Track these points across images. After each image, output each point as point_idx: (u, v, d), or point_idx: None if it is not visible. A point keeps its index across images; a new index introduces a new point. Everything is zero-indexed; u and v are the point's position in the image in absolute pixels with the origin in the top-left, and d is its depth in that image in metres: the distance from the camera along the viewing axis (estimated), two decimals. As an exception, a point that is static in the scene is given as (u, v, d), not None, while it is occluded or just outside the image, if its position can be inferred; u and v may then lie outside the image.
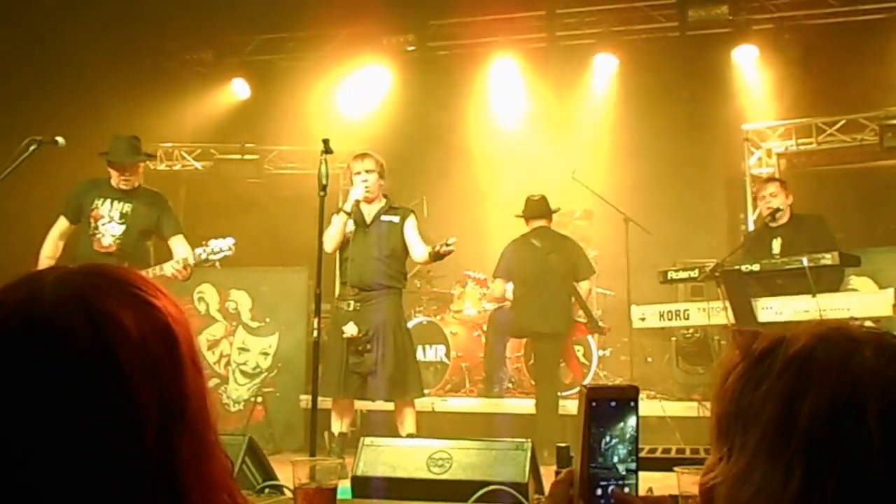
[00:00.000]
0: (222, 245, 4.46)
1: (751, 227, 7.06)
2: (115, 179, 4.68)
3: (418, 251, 4.82)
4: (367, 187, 4.75)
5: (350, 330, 4.63)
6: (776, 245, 5.20)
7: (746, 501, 0.75)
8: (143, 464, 0.69)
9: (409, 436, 4.58)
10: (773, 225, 5.29)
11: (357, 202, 4.75)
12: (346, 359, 4.66)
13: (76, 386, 0.68)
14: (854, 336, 0.78)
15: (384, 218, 4.84)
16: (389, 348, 4.68)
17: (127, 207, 4.67)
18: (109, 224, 4.64)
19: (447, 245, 4.55)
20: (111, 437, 0.68)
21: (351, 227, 4.80)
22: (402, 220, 4.86)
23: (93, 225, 4.64)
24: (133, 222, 4.66)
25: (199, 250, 4.50)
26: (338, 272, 4.92)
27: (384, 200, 4.92)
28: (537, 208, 5.87)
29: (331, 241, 4.71)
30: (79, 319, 0.70)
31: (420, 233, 4.94)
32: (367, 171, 4.80)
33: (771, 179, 5.56)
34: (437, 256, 4.66)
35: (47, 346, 0.69)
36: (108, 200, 4.68)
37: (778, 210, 5.23)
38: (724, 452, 0.79)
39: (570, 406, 5.52)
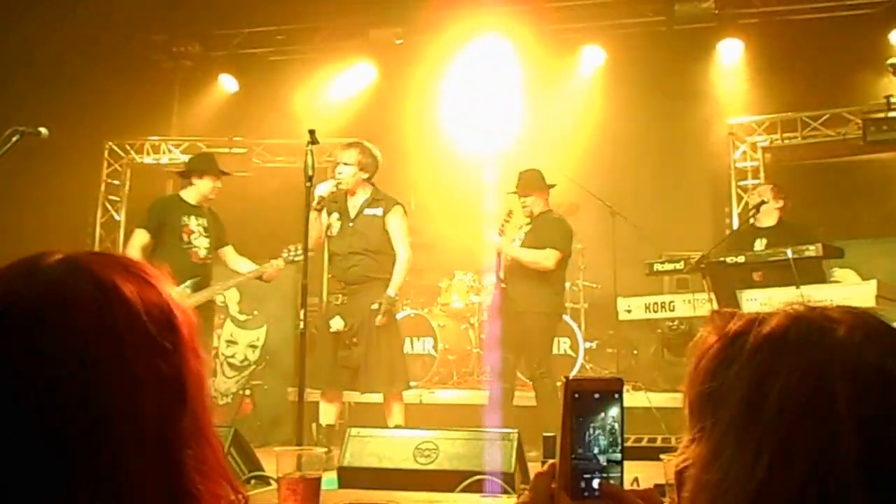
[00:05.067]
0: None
1: (735, 221, 7.12)
2: (208, 193, 5.08)
3: (401, 252, 4.79)
4: (337, 182, 4.73)
5: (336, 324, 4.63)
6: (759, 245, 5.27)
7: (715, 484, 0.73)
8: (140, 435, 0.69)
9: (396, 426, 4.60)
10: (759, 226, 5.37)
11: (322, 198, 4.68)
12: (335, 352, 4.66)
13: (77, 347, 0.68)
14: (830, 316, 0.75)
15: (367, 211, 4.80)
16: (374, 341, 4.67)
17: (205, 222, 5.09)
18: (200, 238, 5.05)
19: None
20: (107, 402, 0.68)
21: (338, 220, 4.79)
22: (386, 212, 4.81)
23: (185, 239, 5.00)
24: (211, 235, 5.10)
25: (284, 254, 4.89)
26: (326, 266, 4.94)
27: (369, 192, 4.87)
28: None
29: (309, 238, 4.62)
30: (84, 285, 0.70)
31: (408, 226, 4.93)
32: (344, 164, 4.77)
33: (772, 187, 5.59)
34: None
35: (51, 307, 0.69)
36: (193, 217, 5.06)
37: (763, 203, 5.32)
38: (696, 434, 0.78)
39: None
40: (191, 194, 5.11)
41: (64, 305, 0.69)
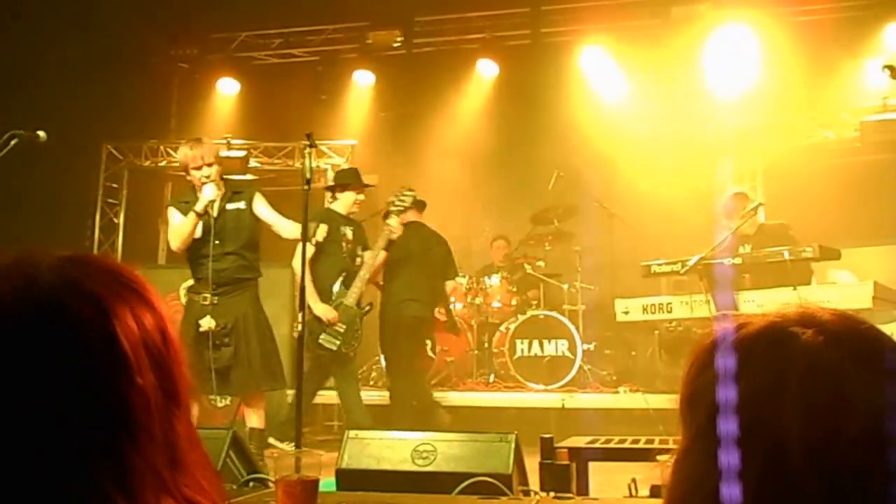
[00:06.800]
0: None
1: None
2: (350, 206, 5.40)
3: (285, 227, 4.56)
4: (215, 183, 4.47)
5: (207, 323, 4.39)
6: (744, 251, 5.34)
7: (680, 484, 0.75)
8: (153, 441, 0.71)
9: (252, 430, 4.48)
10: (739, 233, 5.44)
11: (212, 202, 4.44)
12: (201, 354, 4.37)
13: (82, 366, 0.69)
14: (810, 319, 0.75)
15: (230, 206, 4.53)
16: (254, 340, 4.49)
17: (353, 231, 5.43)
18: (351, 246, 5.40)
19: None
20: (121, 416, 0.70)
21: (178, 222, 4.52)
22: (249, 203, 4.56)
23: (345, 248, 5.34)
24: (357, 242, 5.45)
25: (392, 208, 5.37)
26: (191, 268, 4.61)
27: (223, 186, 4.59)
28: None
29: (180, 241, 4.46)
30: (78, 301, 0.70)
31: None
32: (208, 166, 4.47)
33: (743, 196, 5.69)
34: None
35: (48, 326, 0.69)
36: (348, 227, 5.40)
37: (760, 204, 5.40)
38: (680, 437, 0.79)
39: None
40: (339, 206, 5.44)
41: (65, 330, 0.69)
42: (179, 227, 4.47)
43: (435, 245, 5.89)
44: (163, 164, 8.36)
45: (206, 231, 4.46)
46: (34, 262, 0.73)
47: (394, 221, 5.29)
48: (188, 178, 4.54)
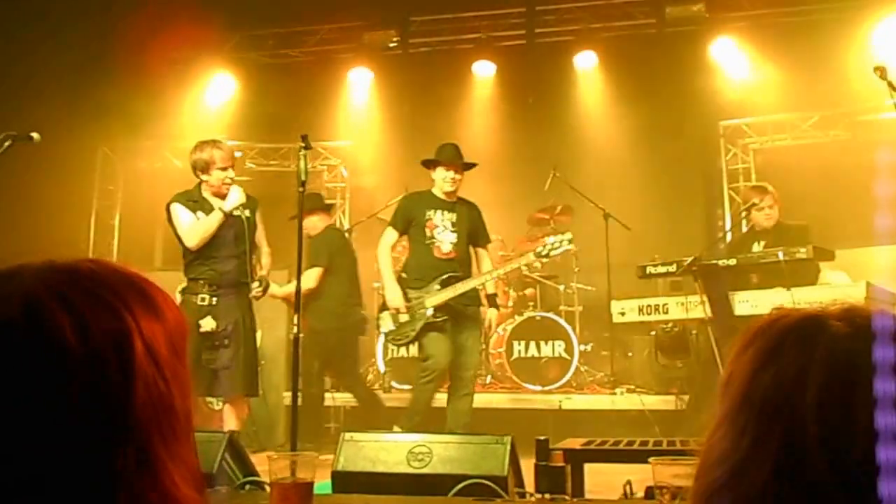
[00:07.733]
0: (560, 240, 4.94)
1: (728, 223, 7.15)
2: (442, 184, 5.02)
3: (266, 247, 4.71)
4: (236, 184, 4.56)
5: (208, 324, 4.42)
6: (757, 247, 5.32)
7: (706, 458, 0.80)
8: (74, 474, 0.66)
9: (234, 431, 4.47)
10: (758, 228, 5.44)
11: (242, 205, 4.53)
12: (199, 355, 4.39)
13: (3, 380, 0.66)
14: (851, 312, 0.78)
15: (237, 212, 4.57)
16: (246, 343, 4.54)
17: (454, 217, 5.05)
18: (444, 233, 5.03)
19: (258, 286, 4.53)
20: (39, 438, 0.65)
21: (202, 219, 4.53)
22: (254, 212, 4.63)
23: (428, 234, 5.03)
24: (461, 230, 5.05)
25: (538, 248, 5.01)
26: (186, 267, 4.59)
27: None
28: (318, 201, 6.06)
29: (200, 239, 4.46)
30: (17, 312, 0.67)
31: None
32: (231, 167, 4.55)
33: (765, 190, 5.57)
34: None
35: None
36: (439, 211, 5.05)
37: (753, 205, 5.39)
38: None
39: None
40: (436, 188, 5.10)
41: None
42: (204, 225, 4.46)
43: (352, 250, 6.16)
44: (158, 165, 8.36)
45: (218, 232, 4.50)
46: (23, 267, 0.71)
47: (531, 260, 5.06)
48: (205, 177, 4.53)
